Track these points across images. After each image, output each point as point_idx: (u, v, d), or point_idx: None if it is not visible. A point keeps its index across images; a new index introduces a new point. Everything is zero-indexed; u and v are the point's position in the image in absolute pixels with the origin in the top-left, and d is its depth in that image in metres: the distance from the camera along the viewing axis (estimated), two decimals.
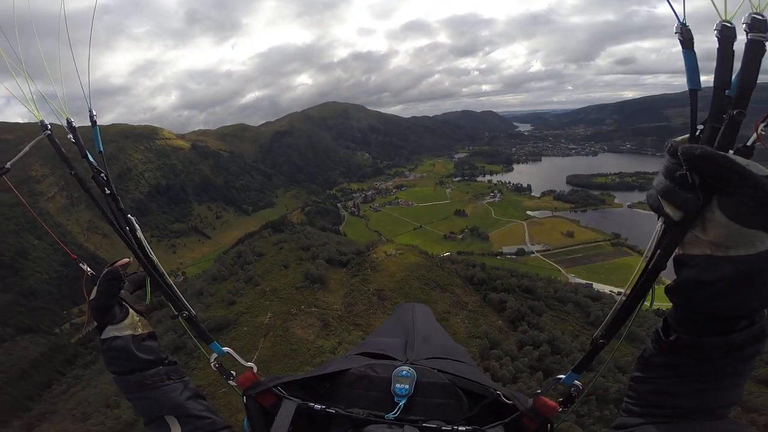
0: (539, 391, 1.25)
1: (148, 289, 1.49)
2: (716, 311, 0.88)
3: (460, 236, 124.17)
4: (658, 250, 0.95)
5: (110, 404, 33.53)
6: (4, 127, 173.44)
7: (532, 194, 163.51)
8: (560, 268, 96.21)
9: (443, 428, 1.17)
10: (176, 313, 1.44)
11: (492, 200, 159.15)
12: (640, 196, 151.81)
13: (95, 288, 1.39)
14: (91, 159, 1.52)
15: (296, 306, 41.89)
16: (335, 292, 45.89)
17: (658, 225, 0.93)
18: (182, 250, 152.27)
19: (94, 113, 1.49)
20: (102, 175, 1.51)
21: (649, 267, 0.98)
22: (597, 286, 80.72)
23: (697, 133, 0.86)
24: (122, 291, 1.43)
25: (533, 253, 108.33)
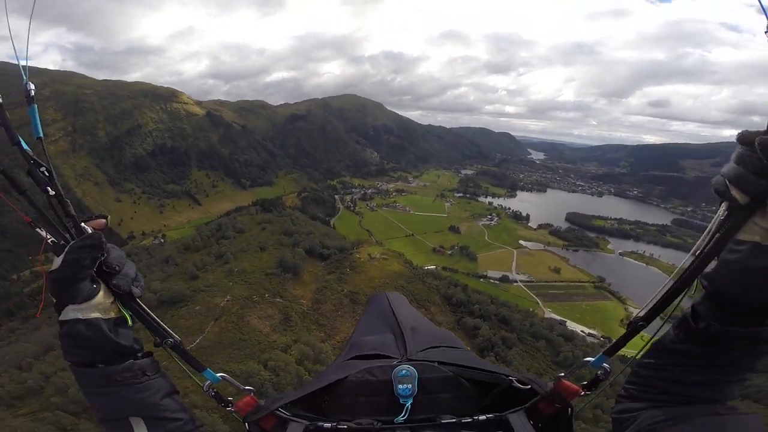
0: (562, 374, 1.24)
1: (126, 312, 1.21)
2: (751, 300, 0.89)
3: (449, 252, 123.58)
4: (718, 234, 0.95)
5: (23, 366, 31.64)
6: (33, 71, 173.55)
7: (529, 224, 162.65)
8: (539, 301, 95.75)
9: (463, 420, 1.15)
10: (159, 341, 1.27)
11: (488, 223, 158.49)
12: (633, 246, 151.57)
13: (62, 255, 1.08)
14: (25, 147, 1.13)
15: (260, 293, 41.04)
16: (307, 285, 45.14)
17: (721, 210, 0.94)
18: (170, 212, 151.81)
19: (31, 88, 1.09)
20: (42, 169, 1.13)
21: (705, 249, 0.97)
22: (571, 324, 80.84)
23: None
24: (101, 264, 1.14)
25: (516, 282, 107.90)
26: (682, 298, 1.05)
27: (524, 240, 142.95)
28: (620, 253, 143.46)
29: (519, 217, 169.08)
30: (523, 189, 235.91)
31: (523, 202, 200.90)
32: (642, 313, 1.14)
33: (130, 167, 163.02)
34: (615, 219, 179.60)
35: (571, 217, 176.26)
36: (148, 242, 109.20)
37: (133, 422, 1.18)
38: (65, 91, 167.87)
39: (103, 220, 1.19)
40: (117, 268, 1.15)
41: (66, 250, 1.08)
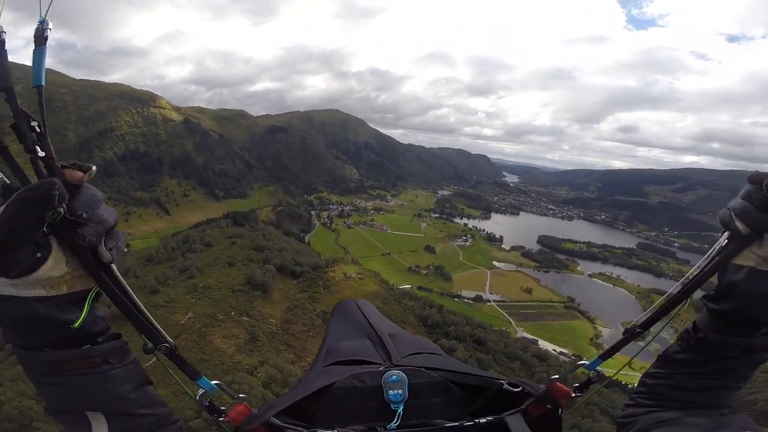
0: (556, 376, 1.27)
1: (88, 304, 0.92)
2: (745, 316, 1.03)
3: (425, 272, 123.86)
4: (717, 258, 1.06)
5: None
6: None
7: (503, 246, 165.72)
8: (511, 320, 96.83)
9: (465, 424, 1.16)
10: (152, 346, 1.07)
11: (463, 244, 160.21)
12: (601, 268, 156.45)
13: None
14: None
15: (225, 311, 38.85)
16: (277, 304, 43.25)
17: (722, 238, 1.05)
18: (136, 220, 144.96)
19: (48, 26, 0.85)
20: (34, 124, 0.88)
21: (705, 269, 1.08)
22: (542, 343, 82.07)
23: None
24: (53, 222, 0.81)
25: (490, 301, 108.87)
26: (678, 310, 1.17)
27: (497, 261, 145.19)
28: (589, 275, 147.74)
29: (493, 239, 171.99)
30: (497, 211, 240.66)
31: (497, 224, 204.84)
32: (640, 321, 1.23)
33: (97, 171, 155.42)
34: (584, 242, 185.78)
35: (542, 240, 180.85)
36: None
37: (92, 417, 0.96)
38: None
39: (80, 173, 0.88)
40: (84, 214, 0.85)
41: (9, 201, 0.77)
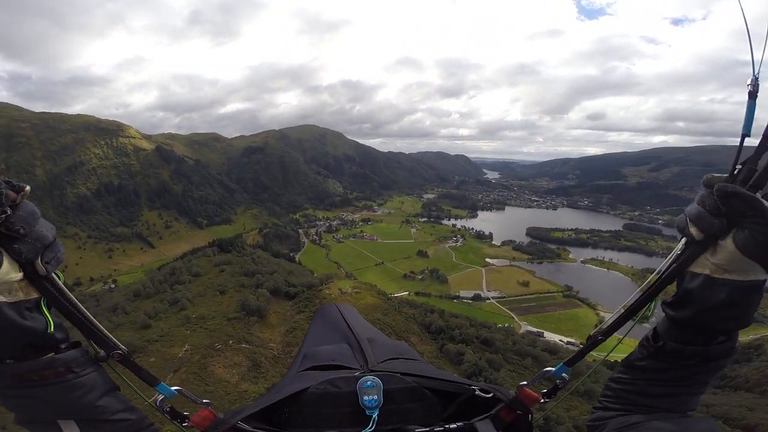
0: (524, 382, 1.28)
1: (45, 309, 0.95)
2: (702, 324, 1.04)
3: (420, 277, 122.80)
4: (674, 264, 1.07)
5: None
6: None
7: (493, 242, 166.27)
8: (514, 316, 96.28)
9: (436, 429, 1.15)
10: (103, 354, 1.06)
11: (454, 244, 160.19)
12: (593, 253, 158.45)
13: None
14: None
15: (223, 340, 36.65)
16: (275, 327, 41.17)
17: (680, 244, 1.06)
18: (120, 256, 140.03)
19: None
20: None
21: (663, 276, 1.10)
22: (548, 335, 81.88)
23: (735, 172, 0.96)
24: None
25: (489, 299, 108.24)
26: (638, 317, 1.19)
27: (490, 258, 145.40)
28: (582, 261, 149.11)
29: (482, 236, 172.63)
30: (483, 209, 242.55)
31: (484, 221, 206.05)
32: (601, 329, 1.26)
33: (72, 209, 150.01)
34: (572, 229, 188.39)
35: (531, 232, 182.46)
36: (98, 288, 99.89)
37: (64, 426, 0.97)
38: None
39: (13, 193, 0.87)
40: (21, 230, 0.85)
41: None
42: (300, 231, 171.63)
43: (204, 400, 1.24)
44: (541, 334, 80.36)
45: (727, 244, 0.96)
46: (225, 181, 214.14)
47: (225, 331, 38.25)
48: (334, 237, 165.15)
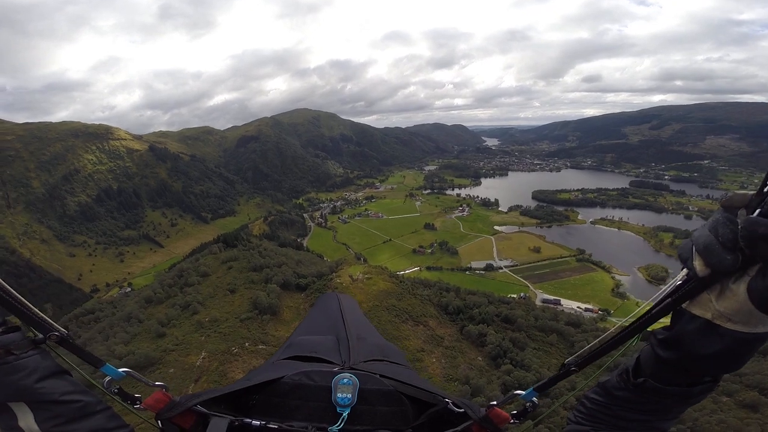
0: (494, 402, 1.27)
1: None
2: (691, 368, 0.95)
3: (429, 250, 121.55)
4: (668, 299, 0.95)
5: None
6: None
7: (500, 209, 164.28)
8: (528, 284, 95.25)
9: None
10: (41, 336, 1.06)
11: (461, 214, 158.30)
12: (601, 213, 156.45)
13: None
14: None
15: (239, 343, 35.76)
16: (289, 323, 40.14)
17: (680, 275, 0.92)
18: (131, 258, 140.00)
19: None
20: None
21: (653, 312, 1.00)
22: (564, 302, 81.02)
23: (766, 189, 0.75)
24: None
25: (501, 268, 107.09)
26: (620, 352, 1.13)
27: (498, 225, 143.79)
28: (591, 222, 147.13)
29: (488, 204, 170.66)
30: (485, 176, 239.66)
31: (488, 188, 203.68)
32: (575, 359, 1.20)
33: (77, 218, 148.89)
34: (578, 190, 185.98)
35: (537, 195, 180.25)
36: (114, 293, 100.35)
37: (15, 408, 0.99)
38: None
39: None
40: None
41: None
42: (305, 215, 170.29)
43: (157, 383, 1.22)
44: (558, 302, 79.49)
45: (739, 291, 0.80)
46: (224, 173, 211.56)
47: (240, 333, 37.34)
48: (339, 218, 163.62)
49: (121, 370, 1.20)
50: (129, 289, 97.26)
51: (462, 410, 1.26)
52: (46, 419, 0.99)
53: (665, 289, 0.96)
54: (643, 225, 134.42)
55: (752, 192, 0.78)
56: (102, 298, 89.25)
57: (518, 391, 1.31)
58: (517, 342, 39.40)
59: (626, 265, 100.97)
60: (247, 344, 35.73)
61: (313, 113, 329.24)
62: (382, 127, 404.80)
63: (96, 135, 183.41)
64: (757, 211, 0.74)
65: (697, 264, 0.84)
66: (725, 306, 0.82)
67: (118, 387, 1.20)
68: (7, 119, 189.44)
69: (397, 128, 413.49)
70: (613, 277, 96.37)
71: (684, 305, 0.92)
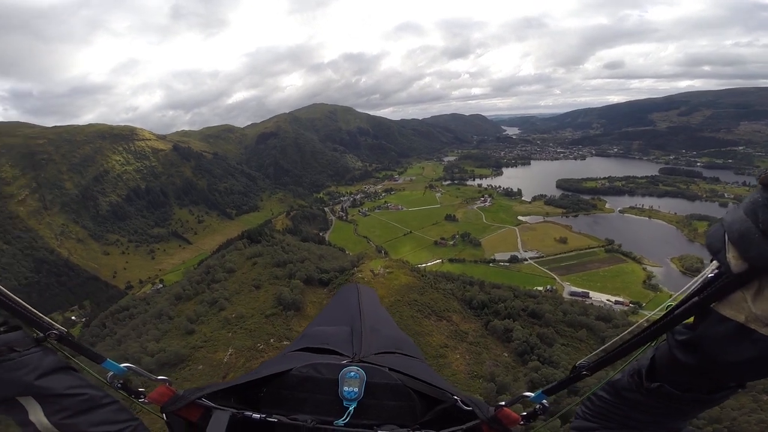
0: (503, 403, 1.24)
1: None
2: (715, 375, 0.84)
3: (451, 242, 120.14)
4: (695, 298, 0.82)
5: None
6: None
7: (523, 199, 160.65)
8: (555, 276, 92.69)
9: None
10: (42, 334, 1.11)
11: (483, 205, 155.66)
12: (630, 201, 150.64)
13: None
14: None
15: (264, 339, 36.27)
16: (312, 319, 40.36)
17: (709, 268, 0.79)
18: (162, 255, 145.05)
19: None
20: None
21: (676, 312, 0.87)
22: (593, 294, 78.56)
23: None
24: None
25: (526, 260, 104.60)
26: (636, 356, 1.03)
27: (522, 215, 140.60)
28: (620, 211, 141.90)
29: (511, 194, 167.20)
30: (507, 165, 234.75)
31: (510, 178, 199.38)
32: (587, 362, 1.15)
33: (109, 218, 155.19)
34: (604, 178, 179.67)
35: (561, 184, 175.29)
36: (147, 289, 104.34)
37: (23, 402, 1.05)
38: (14, 144, 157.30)
39: None
40: None
41: None
42: (326, 209, 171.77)
43: (160, 377, 1.25)
44: (586, 295, 77.11)
45: None
46: (246, 170, 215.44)
47: (265, 329, 37.90)
48: (359, 211, 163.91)
49: (122, 365, 1.23)
50: (161, 285, 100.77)
51: (470, 408, 1.24)
52: (54, 412, 1.05)
53: (691, 285, 0.84)
54: (675, 213, 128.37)
55: None
56: (136, 295, 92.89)
57: (527, 393, 1.28)
58: (545, 338, 38.20)
59: (658, 256, 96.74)
60: (272, 340, 36.20)
61: (329, 107, 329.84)
62: (399, 119, 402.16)
63: (122, 136, 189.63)
64: None
65: (732, 257, 0.71)
66: (764, 308, 0.70)
67: (121, 382, 1.22)
68: (37, 123, 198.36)
69: (413, 120, 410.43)
70: (644, 269, 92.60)
71: (713, 305, 0.79)
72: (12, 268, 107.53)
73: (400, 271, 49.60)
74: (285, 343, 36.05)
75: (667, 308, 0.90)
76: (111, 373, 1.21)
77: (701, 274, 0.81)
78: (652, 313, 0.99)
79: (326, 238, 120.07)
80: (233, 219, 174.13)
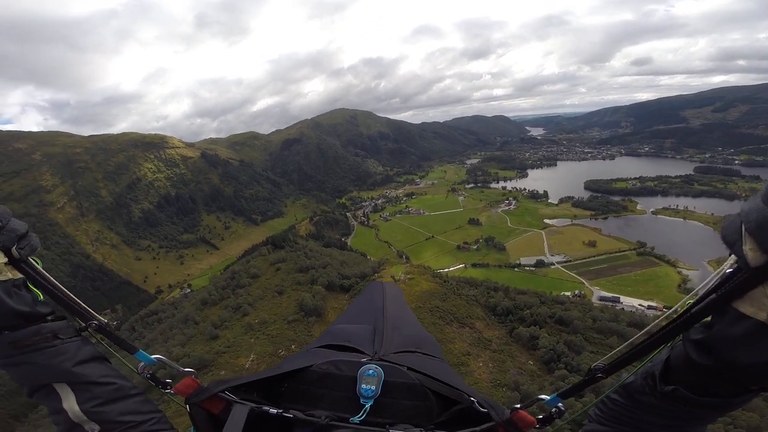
0: (518, 405, 1.24)
1: (33, 287, 1.15)
2: (733, 377, 0.79)
3: (475, 247, 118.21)
4: (713, 295, 0.78)
5: None
6: (18, 135, 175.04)
7: (549, 201, 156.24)
8: (584, 281, 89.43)
9: None
10: (83, 324, 1.21)
11: (507, 208, 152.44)
12: (663, 202, 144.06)
13: None
14: None
15: (285, 345, 36.53)
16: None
17: (726, 264, 0.75)
18: (190, 261, 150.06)
19: None
20: None
21: (693, 310, 0.83)
22: (624, 299, 75.29)
23: None
24: None
25: (554, 264, 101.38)
26: (652, 356, 1.00)
27: (549, 218, 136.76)
28: (653, 212, 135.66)
29: (537, 196, 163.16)
30: (532, 167, 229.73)
31: (536, 180, 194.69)
32: (603, 364, 1.14)
33: (141, 224, 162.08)
34: (635, 178, 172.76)
35: (590, 185, 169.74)
36: (176, 293, 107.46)
37: (58, 388, 1.11)
38: (54, 153, 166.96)
39: None
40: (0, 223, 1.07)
41: None
42: (348, 214, 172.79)
43: (187, 369, 1.30)
44: (617, 300, 73.99)
45: None
46: (270, 176, 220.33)
47: (287, 336, 38.22)
48: (381, 216, 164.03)
49: (153, 356, 1.30)
50: (189, 290, 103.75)
51: (486, 410, 1.24)
52: (86, 400, 1.11)
53: (709, 281, 0.80)
54: (712, 214, 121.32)
55: None
56: (165, 299, 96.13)
57: (542, 396, 1.29)
58: (573, 345, 36.56)
59: (694, 259, 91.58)
60: (293, 347, 36.37)
61: (350, 113, 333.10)
62: (419, 122, 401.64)
63: (153, 144, 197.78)
64: None
65: (749, 249, 0.66)
66: None
67: (150, 372, 1.29)
68: (75, 132, 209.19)
69: (434, 123, 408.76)
70: (679, 272, 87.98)
71: (732, 303, 0.74)
72: (51, 272, 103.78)
73: (422, 277, 48.96)
74: None
75: (686, 306, 0.88)
76: (142, 364, 1.28)
77: (719, 270, 0.78)
78: (669, 312, 0.95)
79: (348, 244, 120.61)
80: (258, 225, 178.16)
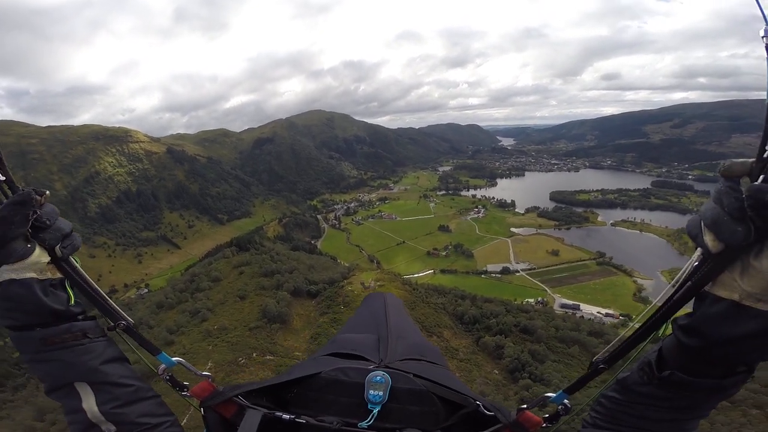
0: (525, 406, 1.26)
1: (68, 288, 1.17)
2: (720, 355, 0.87)
3: (444, 253, 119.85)
4: (688, 283, 0.89)
5: None
6: None
7: (516, 210, 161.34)
8: (546, 288, 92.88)
9: None
10: (112, 324, 1.25)
11: (476, 216, 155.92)
12: (622, 214, 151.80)
13: None
14: None
15: (246, 353, 34.93)
16: (299, 332, 39.18)
17: (695, 255, 0.87)
18: (149, 260, 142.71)
19: None
20: None
21: (674, 298, 0.94)
22: (584, 306, 78.59)
23: (765, 155, 0.73)
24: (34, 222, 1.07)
25: (518, 272, 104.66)
26: (645, 344, 1.06)
27: (515, 227, 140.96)
28: (612, 224, 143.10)
29: (505, 205, 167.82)
30: (502, 176, 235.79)
31: (504, 189, 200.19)
32: (603, 356, 1.17)
33: (97, 220, 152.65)
34: (597, 190, 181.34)
35: (555, 196, 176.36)
36: (132, 293, 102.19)
37: (79, 387, 1.13)
38: (7, 143, 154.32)
39: (38, 196, 1.08)
40: (47, 222, 1.09)
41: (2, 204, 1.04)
42: (319, 217, 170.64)
43: (204, 373, 1.31)
44: (577, 307, 77.11)
45: (763, 267, 0.75)
46: (240, 175, 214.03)
47: (248, 343, 36.55)
48: (353, 219, 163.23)
49: (174, 359, 1.33)
50: (146, 290, 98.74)
51: (492, 413, 1.25)
52: (105, 401, 1.13)
53: (683, 272, 0.91)
54: (666, 227, 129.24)
55: (751, 160, 0.74)
56: (119, 299, 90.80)
57: (549, 394, 1.29)
58: (537, 354, 37.34)
59: (649, 269, 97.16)
60: (254, 354, 34.86)
61: (327, 114, 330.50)
62: (396, 127, 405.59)
63: (116, 138, 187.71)
64: (761, 177, 0.72)
65: (708, 239, 0.80)
66: (752, 285, 0.76)
67: (170, 374, 1.32)
68: (31, 122, 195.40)
69: (410, 128, 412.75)
70: (635, 281, 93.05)
71: (707, 288, 0.85)
72: None
73: (392, 284, 48.67)
74: (268, 357, 34.81)
75: (664, 297, 0.97)
76: (162, 366, 1.30)
77: (690, 260, 0.88)
78: (655, 301, 1.02)
79: (318, 247, 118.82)
80: (224, 224, 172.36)
